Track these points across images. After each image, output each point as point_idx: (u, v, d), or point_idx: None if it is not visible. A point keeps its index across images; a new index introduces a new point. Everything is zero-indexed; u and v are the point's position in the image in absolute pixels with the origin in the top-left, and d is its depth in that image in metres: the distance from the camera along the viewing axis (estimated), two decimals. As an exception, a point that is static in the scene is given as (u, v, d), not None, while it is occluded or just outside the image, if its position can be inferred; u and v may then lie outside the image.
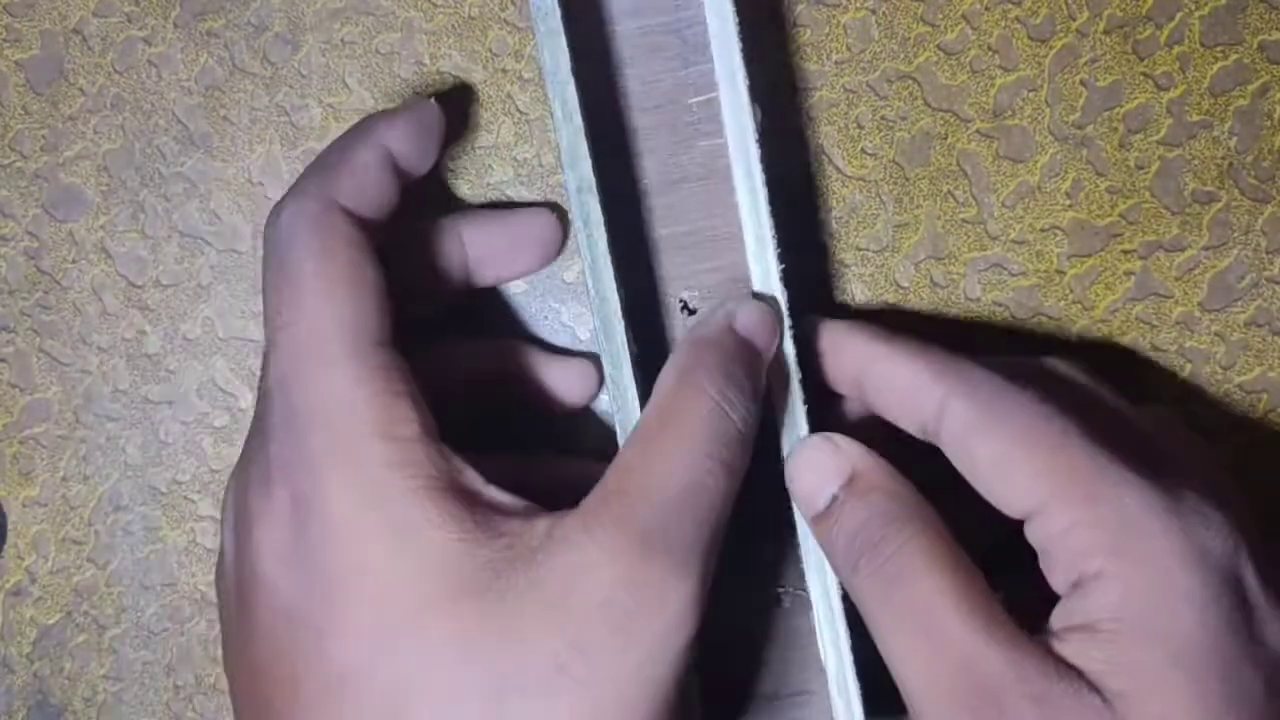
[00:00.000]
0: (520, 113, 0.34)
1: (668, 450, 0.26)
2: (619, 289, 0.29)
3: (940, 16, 0.34)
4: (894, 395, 0.29)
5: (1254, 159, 0.34)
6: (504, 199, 0.34)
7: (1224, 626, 0.25)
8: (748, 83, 0.29)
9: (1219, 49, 0.34)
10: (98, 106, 0.34)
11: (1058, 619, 0.26)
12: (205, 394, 0.35)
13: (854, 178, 0.34)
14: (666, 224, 0.31)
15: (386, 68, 0.34)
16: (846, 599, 0.29)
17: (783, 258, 0.30)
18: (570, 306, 0.35)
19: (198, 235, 0.35)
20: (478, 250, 0.32)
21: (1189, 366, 0.34)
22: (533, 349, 0.33)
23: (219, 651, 0.33)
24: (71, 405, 0.35)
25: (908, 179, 0.34)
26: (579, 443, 0.34)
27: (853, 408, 0.32)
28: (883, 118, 0.34)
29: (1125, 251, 0.34)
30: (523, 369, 0.33)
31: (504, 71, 0.34)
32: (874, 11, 0.34)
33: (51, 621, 0.35)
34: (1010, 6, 0.34)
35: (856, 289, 0.34)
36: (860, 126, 0.34)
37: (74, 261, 0.35)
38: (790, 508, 0.30)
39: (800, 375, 0.30)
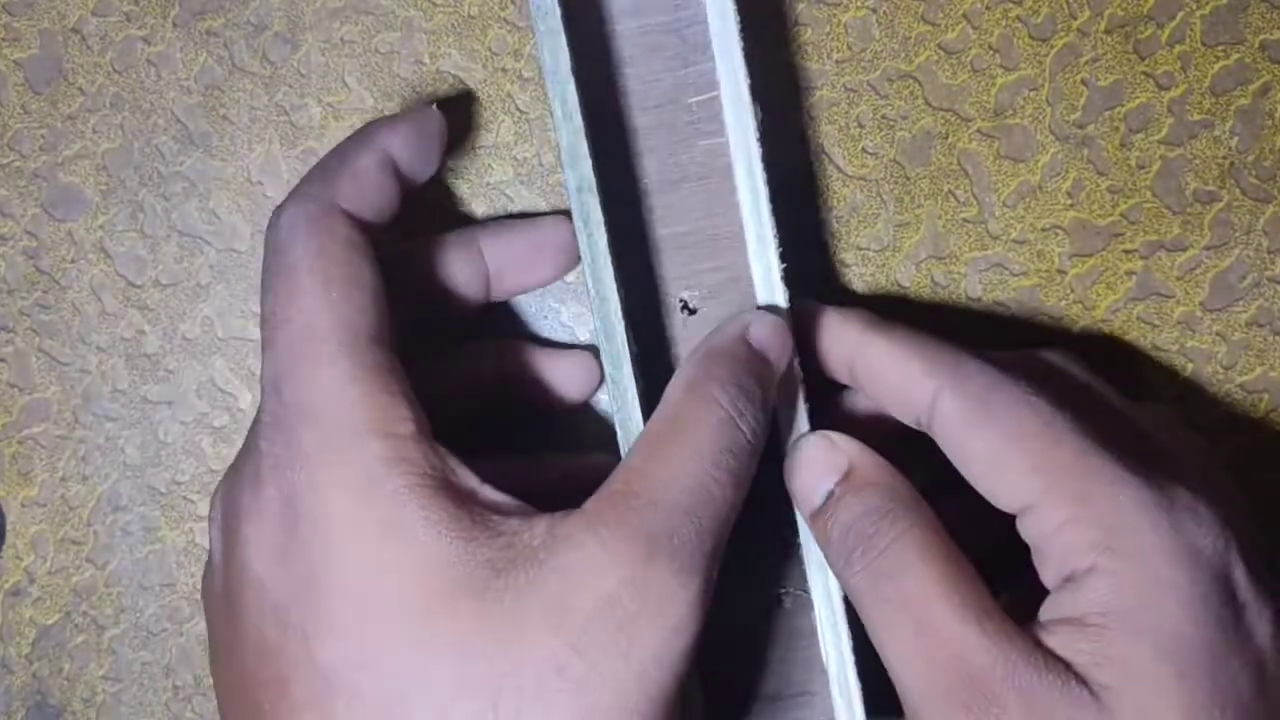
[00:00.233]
0: (520, 112, 0.34)
1: (677, 456, 0.26)
2: (619, 289, 0.29)
3: (941, 15, 0.34)
4: (887, 386, 0.29)
5: (1255, 158, 0.34)
6: (504, 199, 0.34)
7: (1212, 623, 0.25)
8: (749, 82, 0.29)
9: (1220, 48, 0.34)
10: (97, 106, 0.34)
11: (1047, 612, 0.26)
12: (204, 394, 0.35)
13: (855, 177, 0.34)
14: (666, 224, 0.31)
15: (386, 67, 0.34)
16: (848, 599, 0.29)
17: (784, 257, 0.30)
18: (570, 306, 0.35)
19: (197, 235, 0.35)
20: (496, 261, 0.32)
21: (1190, 366, 0.34)
22: (532, 346, 0.33)
23: (218, 652, 0.33)
24: (70, 405, 0.35)
25: (909, 178, 0.34)
26: (579, 443, 0.34)
27: (857, 401, 0.32)
28: (884, 117, 0.34)
29: (1126, 251, 0.34)
30: (523, 366, 0.33)
31: (504, 71, 0.34)
32: (875, 10, 0.34)
33: (50, 622, 0.35)
34: (1011, 6, 0.34)
35: (857, 288, 0.34)
36: (861, 126, 0.34)
37: (73, 261, 0.35)
38: (792, 508, 0.30)
39: (803, 375, 0.30)
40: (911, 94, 0.34)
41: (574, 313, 0.35)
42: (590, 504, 0.26)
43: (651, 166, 0.31)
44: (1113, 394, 0.30)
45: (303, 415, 0.26)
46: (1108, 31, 0.34)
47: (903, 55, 0.34)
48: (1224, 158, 0.34)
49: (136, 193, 0.35)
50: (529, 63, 0.34)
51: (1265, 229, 0.34)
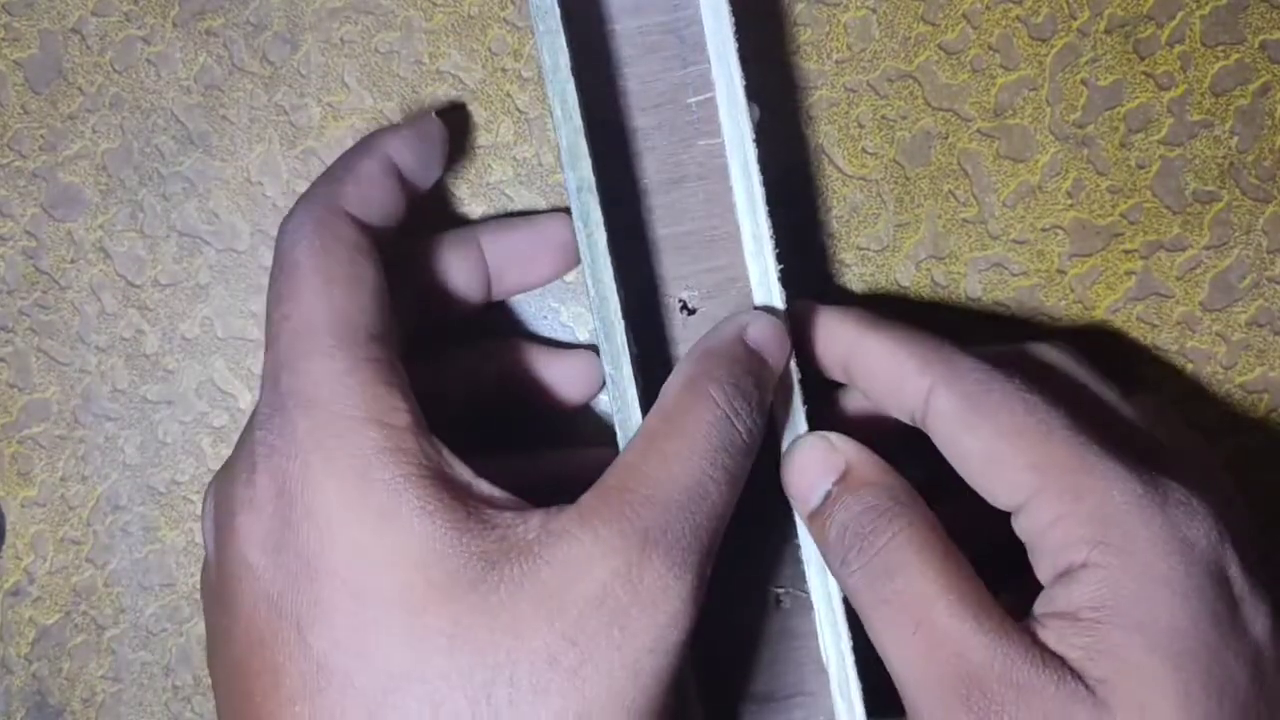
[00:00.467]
0: (520, 112, 0.34)
1: (672, 453, 0.26)
2: (619, 289, 0.29)
3: (941, 15, 0.34)
4: (881, 384, 0.29)
5: (1255, 158, 0.34)
6: (504, 199, 0.34)
7: (1206, 616, 0.25)
8: (744, 83, 0.29)
9: (1220, 48, 0.34)
10: (96, 106, 0.34)
11: (1041, 606, 0.27)
12: (204, 394, 0.35)
13: (855, 177, 0.34)
14: (666, 224, 0.31)
15: (385, 67, 0.34)
16: (848, 599, 0.29)
17: (782, 257, 0.30)
18: (570, 306, 0.35)
19: (196, 235, 0.35)
20: (497, 259, 0.32)
21: (1190, 366, 0.34)
22: (533, 346, 0.33)
23: (217, 652, 0.33)
24: (70, 405, 0.35)
25: (908, 178, 0.34)
26: (579, 443, 0.34)
27: (853, 400, 0.32)
28: (883, 117, 0.34)
29: (1126, 251, 0.34)
30: (523, 367, 0.33)
31: (503, 71, 0.34)
32: (874, 10, 0.34)
33: (50, 622, 0.35)
34: (1011, 6, 0.34)
35: (857, 288, 0.34)
36: (861, 126, 0.34)
37: (72, 261, 0.35)
38: (789, 508, 0.30)
39: (800, 375, 0.30)
40: (911, 94, 0.34)
41: (574, 313, 0.35)
42: (585, 499, 0.26)
43: (651, 166, 0.31)
44: (1107, 388, 0.30)
45: (299, 404, 0.26)
46: (1108, 31, 0.34)
47: (903, 55, 0.34)
48: (1224, 158, 0.34)
49: (136, 193, 0.35)
50: (529, 63, 0.34)
51: (1265, 229, 0.34)
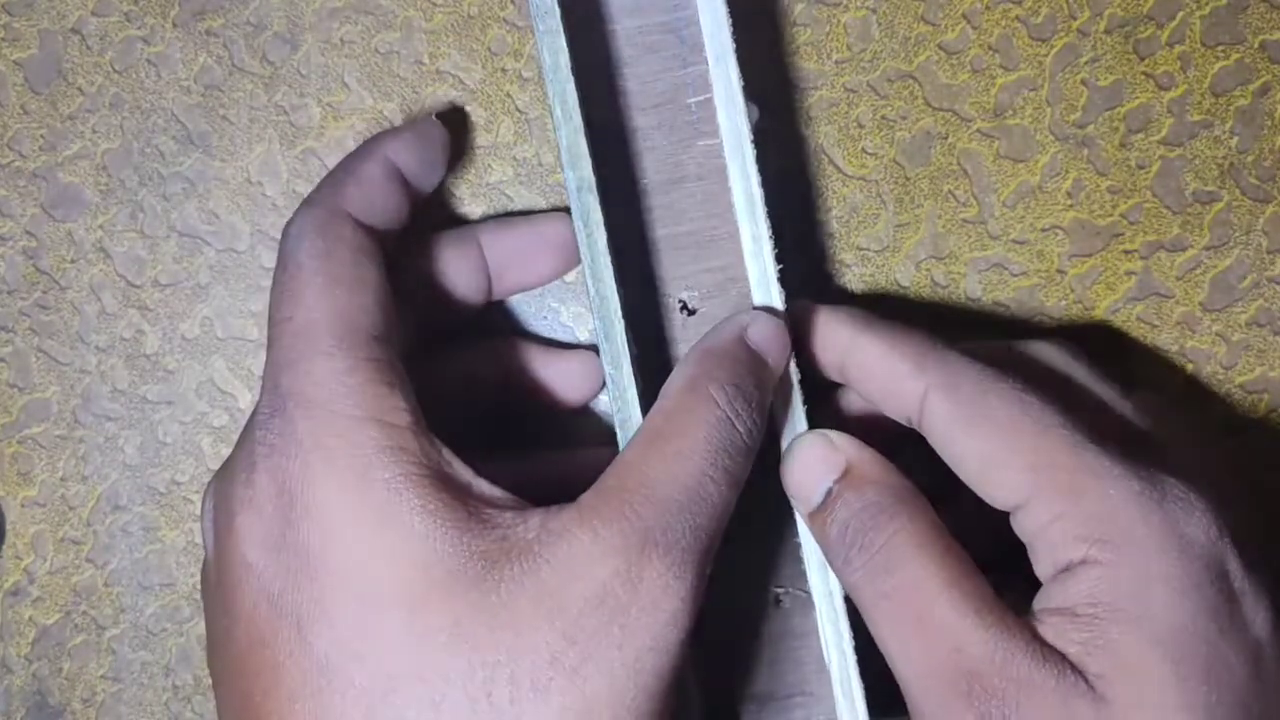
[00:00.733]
0: (519, 112, 0.34)
1: (673, 453, 0.26)
2: (618, 289, 0.29)
3: (941, 16, 0.34)
4: (877, 386, 0.29)
5: (1255, 159, 0.34)
6: (504, 199, 0.34)
7: (1205, 611, 0.25)
8: (742, 83, 0.29)
9: (1220, 48, 0.34)
10: (96, 106, 0.34)
11: (1040, 602, 0.27)
12: (204, 394, 0.35)
13: (854, 177, 0.34)
14: (666, 224, 0.31)
15: (385, 67, 0.34)
16: (849, 599, 0.29)
17: (781, 258, 0.30)
18: (570, 306, 0.35)
19: (196, 235, 0.35)
20: (497, 258, 0.32)
21: (1190, 366, 0.34)
22: (533, 346, 0.33)
23: (217, 652, 0.33)
24: (70, 405, 0.35)
25: (908, 179, 0.34)
26: (579, 443, 0.34)
27: (852, 401, 0.32)
28: (883, 117, 0.34)
29: (1126, 251, 0.34)
30: (523, 367, 0.33)
31: (503, 71, 0.34)
32: (874, 11, 0.34)
33: (50, 622, 0.35)
34: (1011, 6, 0.34)
35: (857, 289, 0.34)
36: (861, 126, 0.34)
37: (72, 261, 0.35)
38: (790, 508, 0.30)
39: (800, 376, 0.30)
40: (911, 94, 0.34)
41: (574, 313, 0.35)
42: (585, 498, 0.26)
43: (651, 166, 0.31)
44: (1105, 385, 0.30)
45: (299, 404, 0.26)
46: (1108, 31, 0.34)
47: (902, 55, 0.34)
48: (1224, 158, 0.34)
49: (136, 193, 0.35)
50: (529, 63, 0.34)
51: (1265, 229, 0.34)
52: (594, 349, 0.33)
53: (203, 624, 0.35)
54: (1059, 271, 0.34)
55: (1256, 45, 0.34)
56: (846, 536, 0.27)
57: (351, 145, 0.33)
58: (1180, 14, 0.34)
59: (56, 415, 0.35)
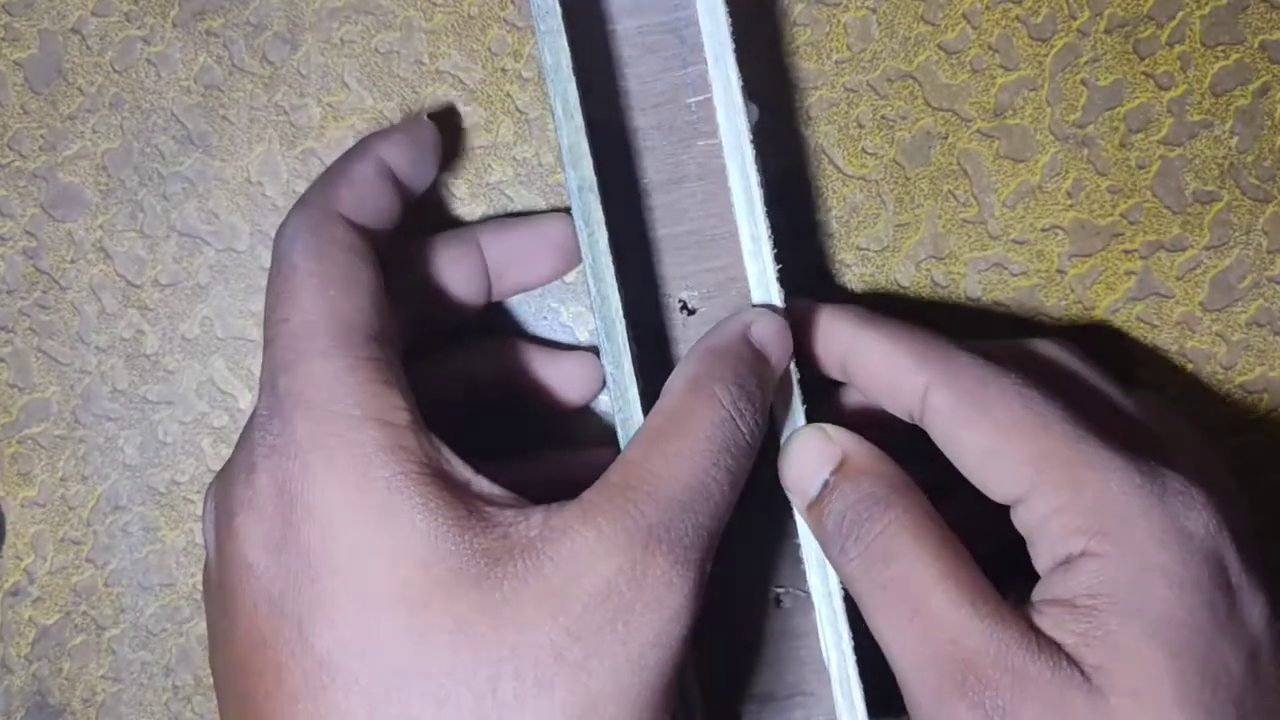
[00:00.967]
0: (520, 112, 0.34)
1: (676, 452, 0.26)
2: (619, 288, 0.29)
3: (941, 15, 0.34)
4: (878, 382, 0.29)
5: (1255, 159, 0.34)
6: (504, 199, 0.34)
7: (1203, 605, 0.25)
8: (741, 83, 0.29)
9: (1220, 48, 0.34)
10: (96, 106, 0.34)
11: (1038, 593, 0.27)
12: (204, 394, 0.35)
13: (854, 177, 0.34)
14: (666, 224, 0.31)
15: (385, 67, 0.34)
16: (849, 598, 0.29)
17: (780, 257, 0.30)
18: (570, 306, 0.35)
19: (196, 235, 0.35)
20: (496, 259, 0.32)
21: (1190, 366, 0.34)
22: (533, 347, 0.33)
23: (217, 652, 0.33)
24: (70, 405, 0.35)
25: (908, 178, 0.34)
26: (579, 443, 0.34)
27: (853, 398, 0.32)
28: (883, 117, 0.34)
29: (1126, 251, 0.34)
30: (523, 368, 0.33)
31: (503, 71, 0.34)
32: (874, 10, 0.34)
33: (50, 622, 0.35)
34: (1011, 6, 0.34)
35: (857, 289, 0.34)
36: (860, 126, 0.34)
37: (72, 261, 0.35)
38: (790, 507, 0.30)
39: (799, 375, 0.30)
40: (911, 94, 0.34)
41: (574, 313, 0.35)
42: (588, 495, 0.26)
43: (651, 166, 0.31)
44: (1106, 382, 0.31)
45: (298, 405, 0.26)
46: (1108, 31, 0.34)
47: (902, 55, 0.34)
48: (1224, 158, 0.34)
49: (136, 193, 0.35)
50: (529, 63, 0.34)
51: (1265, 229, 0.34)
52: (594, 350, 0.33)
53: (203, 624, 0.35)
54: (1059, 271, 0.34)
55: (1256, 45, 0.34)
56: (843, 527, 0.27)
57: (351, 145, 0.33)
58: (1180, 14, 0.34)
59: (56, 415, 0.35)
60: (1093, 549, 0.26)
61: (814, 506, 0.28)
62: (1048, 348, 0.31)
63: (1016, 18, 0.34)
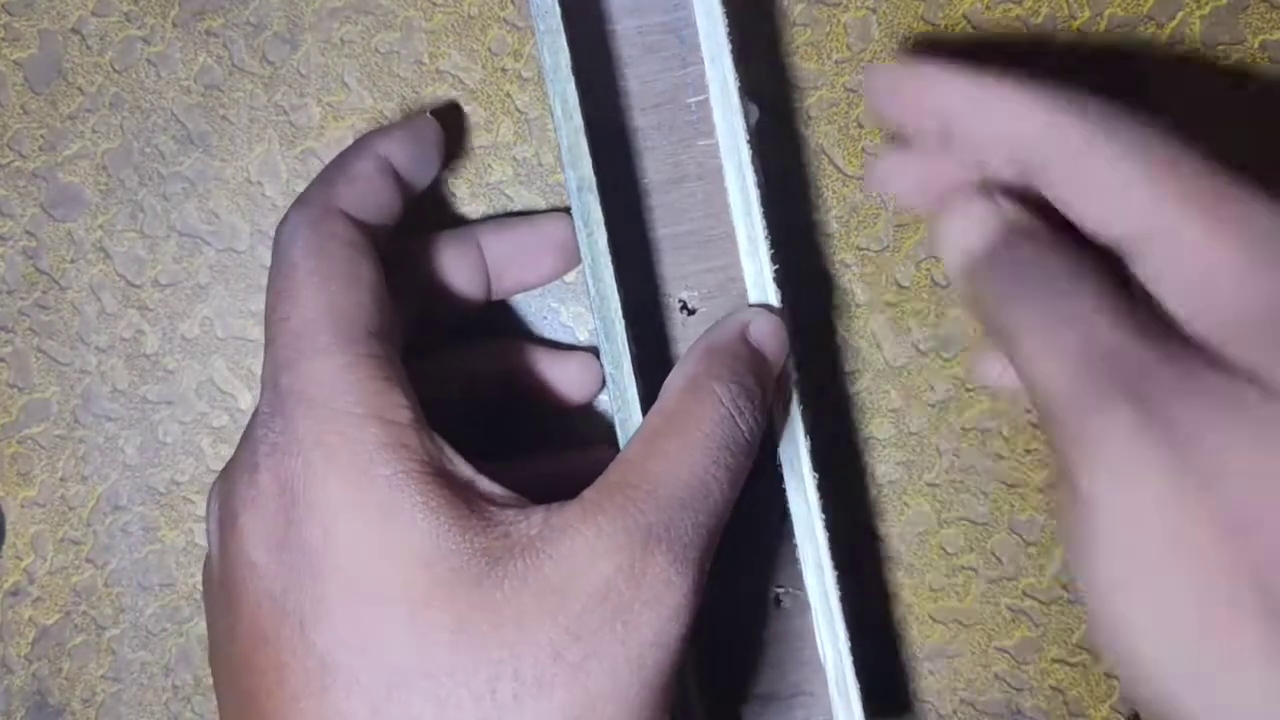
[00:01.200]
0: (519, 112, 0.34)
1: (676, 451, 0.26)
2: (619, 288, 0.29)
3: (941, 15, 0.34)
4: (992, 125, 0.28)
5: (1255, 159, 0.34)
6: (504, 199, 0.34)
7: None
8: (739, 83, 0.29)
9: (1220, 48, 0.34)
10: (96, 106, 0.34)
11: (1187, 313, 0.25)
12: (204, 394, 0.35)
13: (854, 177, 0.34)
14: (666, 224, 0.31)
15: (385, 67, 0.34)
16: (845, 599, 0.29)
17: (777, 258, 0.30)
18: (570, 306, 0.35)
19: (196, 235, 0.35)
20: (496, 259, 0.32)
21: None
22: (533, 347, 0.33)
23: (217, 652, 0.33)
24: (70, 405, 0.35)
25: (908, 178, 0.34)
26: (579, 443, 0.34)
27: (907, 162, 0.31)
28: (883, 117, 0.34)
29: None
30: (524, 367, 0.33)
31: (503, 71, 0.34)
32: (874, 10, 0.34)
33: (50, 622, 0.35)
34: (1011, 6, 0.34)
35: (857, 289, 0.34)
36: (861, 126, 0.34)
37: (72, 261, 0.35)
38: (789, 508, 0.30)
39: (797, 375, 0.30)
40: (911, 94, 0.34)
41: (574, 313, 0.35)
42: (588, 494, 0.26)
43: (651, 166, 0.31)
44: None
45: (299, 403, 0.26)
46: (1108, 31, 0.34)
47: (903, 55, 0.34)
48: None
49: (136, 193, 0.35)
50: (529, 63, 0.34)
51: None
52: (594, 350, 0.33)
53: (203, 624, 0.35)
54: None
55: (1256, 45, 0.34)
56: (1017, 271, 0.27)
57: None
58: (1180, 14, 0.34)
59: (56, 415, 0.35)
60: (1244, 277, 0.24)
61: (980, 264, 0.28)
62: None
63: (1016, 18, 0.34)
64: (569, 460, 0.33)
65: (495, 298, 0.33)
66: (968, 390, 0.34)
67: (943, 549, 0.35)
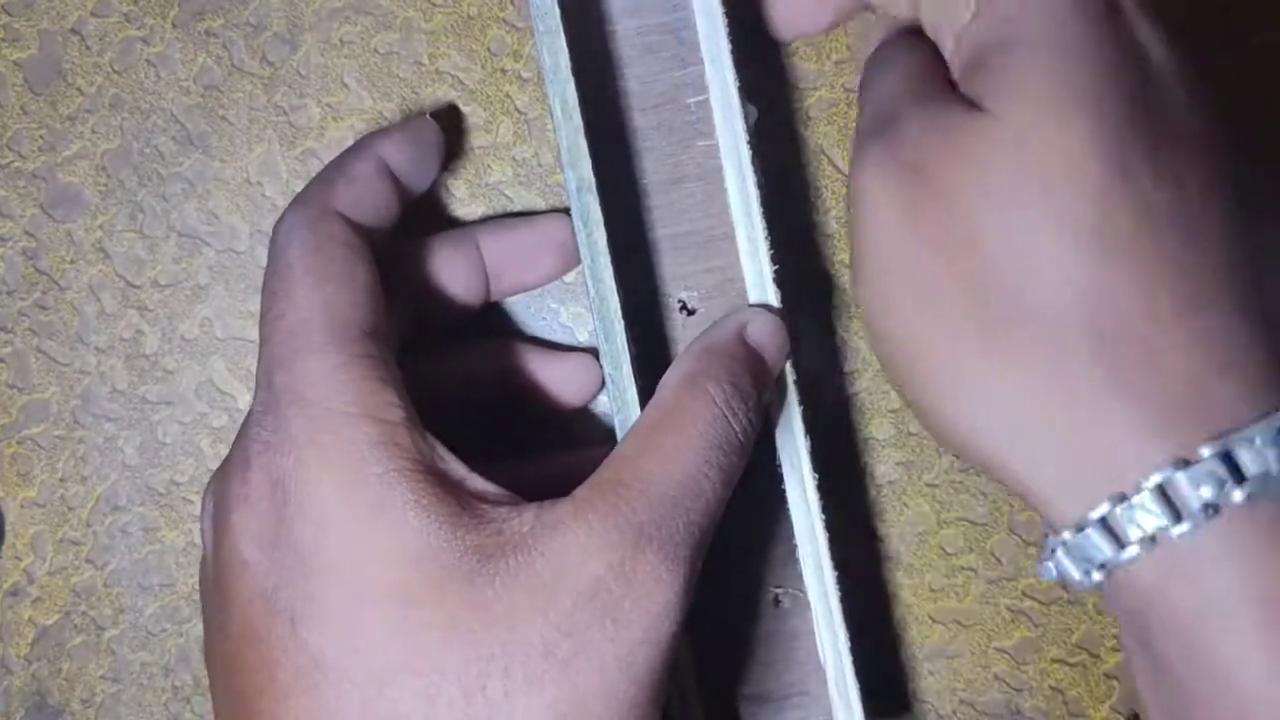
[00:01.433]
0: (519, 112, 0.34)
1: (668, 448, 0.26)
2: (618, 289, 0.29)
3: (940, 16, 0.34)
4: None
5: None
6: (503, 199, 0.34)
7: (1089, 22, 0.25)
8: (738, 84, 0.29)
9: (1220, 48, 0.34)
10: (96, 106, 0.34)
11: (953, 67, 0.27)
12: (203, 394, 0.35)
13: (854, 178, 0.34)
14: (665, 224, 0.31)
15: (385, 67, 0.34)
16: (845, 599, 0.29)
17: (777, 258, 0.30)
18: (570, 307, 0.35)
19: (196, 235, 0.35)
20: (495, 259, 0.32)
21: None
22: (531, 348, 0.33)
23: (217, 652, 0.33)
24: (69, 406, 0.35)
25: (908, 179, 0.34)
26: (577, 444, 0.34)
27: None
28: (882, 117, 0.34)
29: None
30: (522, 369, 0.33)
31: (503, 71, 0.34)
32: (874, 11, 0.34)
33: (49, 622, 0.35)
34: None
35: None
36: (860, 126, 0.34)
37: (72, 261, 0.35)
38: (789, 508, 0.30)
39: (795, 376, 0.30)
40: (911, 94, 0.34)
41: (573, 313, 0.35)
42: (580, 491, 0.26)
43: (650, 166, 0.31)
44: None
45: (292, 401, 0.26)
46: (1107, 32, 0.34)
47: (902, 55, 0.34)
48: (1223, 158, 0.34)
49: (135, 193, 0.35)
50: (528, 63, 0.34)
51: (1265, 229, 0.34)
52: (593, 351, 0.33)
53: (202, 624, 0.35)
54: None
55: (1257, 45, 0.34)
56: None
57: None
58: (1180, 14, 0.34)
59: (56, 416, 0.35)
60: (986, 5, 0.26)
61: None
62: None
63: (1016, 18, 0.34)
64: (568, 460, 0.33)
65: (494, 298, 0.33)
66: (967, 390, 0.34)
67: (942, 549, 0.35)
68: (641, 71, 0.30)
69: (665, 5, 0.30)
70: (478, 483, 0.27)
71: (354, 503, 0.25)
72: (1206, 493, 0.23)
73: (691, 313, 0.31)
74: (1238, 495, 0.23)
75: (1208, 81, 0.26)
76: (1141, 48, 0.26)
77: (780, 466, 0.30)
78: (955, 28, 0.27)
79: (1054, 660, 0.34)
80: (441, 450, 0.27)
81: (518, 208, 0.34)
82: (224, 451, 0.35)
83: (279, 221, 0.29)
